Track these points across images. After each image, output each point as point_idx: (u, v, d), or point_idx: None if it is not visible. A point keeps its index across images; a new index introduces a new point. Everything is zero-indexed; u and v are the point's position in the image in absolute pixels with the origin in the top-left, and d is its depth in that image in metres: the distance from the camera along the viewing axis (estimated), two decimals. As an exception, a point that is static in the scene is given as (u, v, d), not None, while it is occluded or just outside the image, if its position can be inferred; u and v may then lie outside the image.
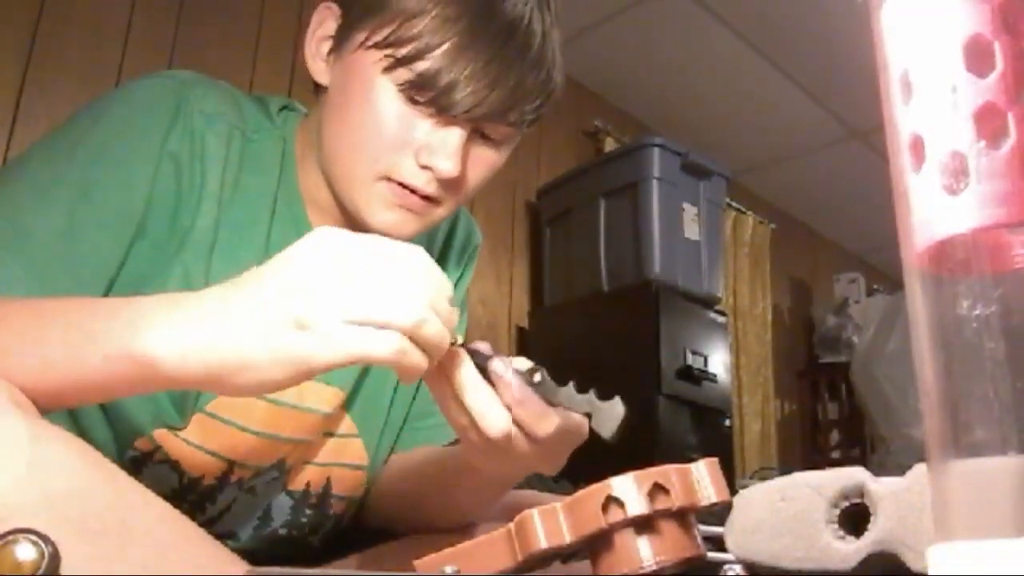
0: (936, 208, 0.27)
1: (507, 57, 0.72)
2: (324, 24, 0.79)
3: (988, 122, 0.26)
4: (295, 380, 0.52)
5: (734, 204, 3.58)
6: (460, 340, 0.60)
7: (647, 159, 2.63)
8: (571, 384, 0.59)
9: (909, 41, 0.28)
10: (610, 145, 3.18)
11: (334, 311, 0.50)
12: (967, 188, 0.26)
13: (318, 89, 0.80)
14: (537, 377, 0.59)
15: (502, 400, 0.59)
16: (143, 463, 0.75)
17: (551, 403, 0.60)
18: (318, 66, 0.79)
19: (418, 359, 0.53)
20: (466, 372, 0.59)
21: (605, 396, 0.59)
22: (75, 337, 0.54)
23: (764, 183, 3.91)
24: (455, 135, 0.73)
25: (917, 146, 0.28)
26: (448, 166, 0.73)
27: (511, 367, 0.59)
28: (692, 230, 2.67)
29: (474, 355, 0.60)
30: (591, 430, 0.60)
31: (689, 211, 2.68)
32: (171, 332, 0.52)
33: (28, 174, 0.69)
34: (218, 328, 0.51)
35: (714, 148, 3.19)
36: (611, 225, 2.67)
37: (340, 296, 0.51)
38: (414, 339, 0.52)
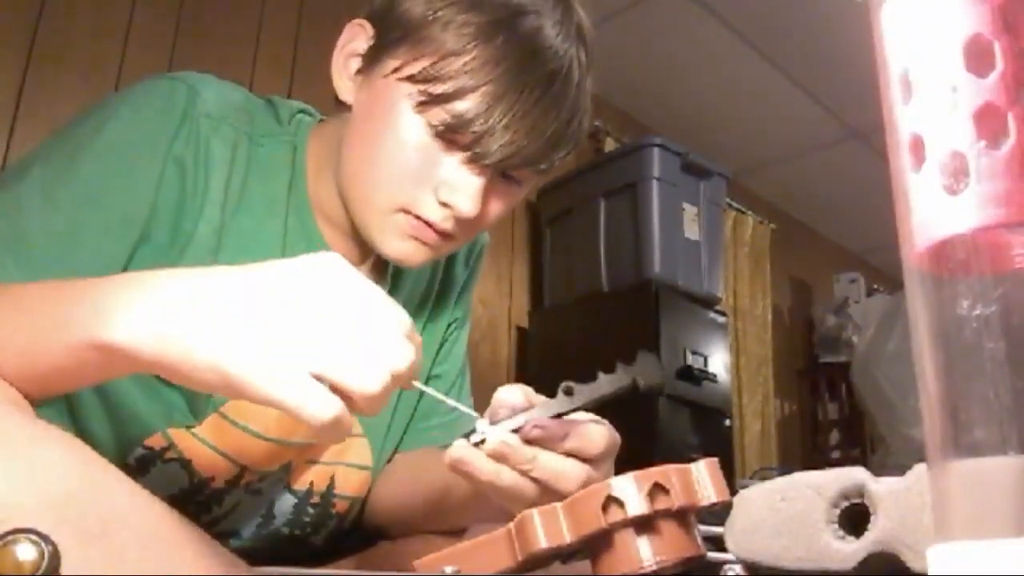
0: (936, 208, 0.27)
1: (544, 108, 0.71)
2: (354, 41, 0.77)
3: (988, 122, 0.26)
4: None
5: (734, 204, 3.58)
6: (486, 423, 0.58)
7: (647, 159, 2.63)
8: (599, 374, 0.59)
9: (909, 41, 0.28)
10: (610, 145, 3.18)
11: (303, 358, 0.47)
12: (967, 188, 0.26)
13: (339, 103, 0.79)
14: (573, 389, 0.58)
15: (552, 449, 0.58)
16: (152, 461, 0.75)
17: (594, 404, 0.59)
18: (344, 84, 0.77)
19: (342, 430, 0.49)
20: (521, 450, 0.57)
21: (626, 362, 0.58)
22: (42, 324, 0.52)
23: (764, 183, 3.91)
24: (479, 177, 0.72)
25: (917, 146, 0.28)
26: (469, 207, 0.72)
27: (546, 422, 0.58)
28: (692, 230, 2.67)
29: (497, 416, 0.59)
30: (642, 393, 0.59)
31: (689, 211, 2.68)
32: (138, 320, 0.49)
33: (33, 175, 0.69)
34: (205, 335, 0.48)
35: (714, 148, 3.19)
36: (611, 225, 2.67)
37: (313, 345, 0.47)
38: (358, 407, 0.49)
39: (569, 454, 0.59)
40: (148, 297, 0.50)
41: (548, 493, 0.58)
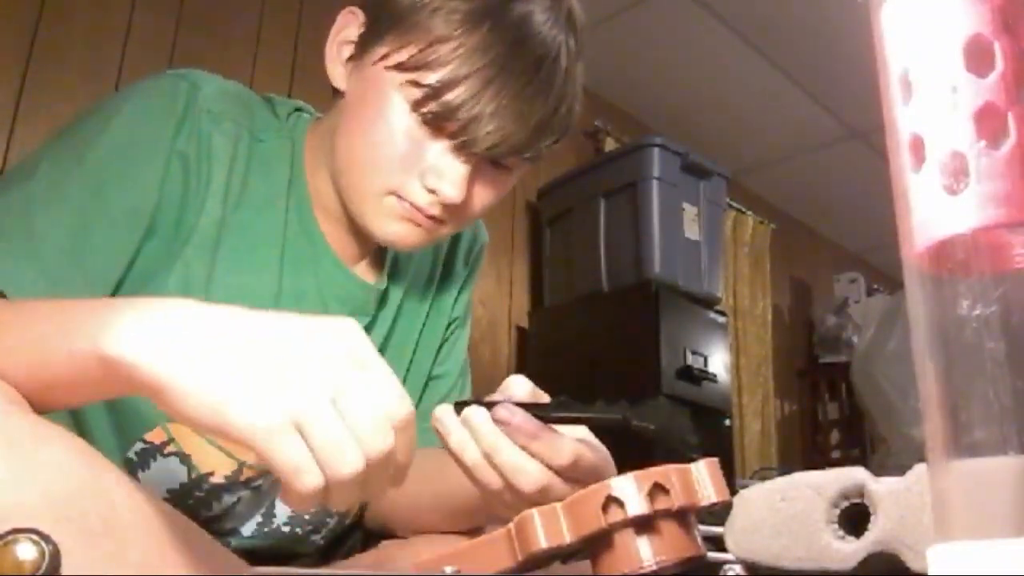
0: (936, 208, 0.27)
1: (531, 95, 0.71)
2: (347, 29, 0.78)
3: (988, 122, 0.26)
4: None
5: (734, 204, 3.58)
6: (467, 397, 0.60)
7: (647, 159, 2.63)
8: (599, 402, 0.59)
9: (909, 41, 0.28)
10: (610, 145, 3.18)
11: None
12: (967, 188, 0.26)
13: (336, 93, 0.80)
14: (567, 404, 0.59)
15: (517, 441, 0.58)
16: (153, 455, 0.75)
17: (575, 421, 0.59)
18: (337, 71, 0.79)
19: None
20: (487, 432, 0.58)
21: (636, 402, 0.58)
22: (50, 333, 0.52)
23: (764, 183, 3.91)
24: (464, 164, 0.73)
25: (917, 146, 0.28)
26: (453, 193, 0.73)
27: (517, 410, 0.58)
28: (692, 230, 2.67)
29: (488, 407, 0.60)
30: (634, 430, 0.57)
31: (689, 211, 2.68)
32: (142, 335, 0.47)
33: (40, 172, 0.69)
34: (208, 370, 0.46)
35: (714, 148, 3.19)
36: (611, 225, 2.67)
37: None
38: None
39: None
40: (158, 316, 0.48)
41: (511, 489, 0.59)
